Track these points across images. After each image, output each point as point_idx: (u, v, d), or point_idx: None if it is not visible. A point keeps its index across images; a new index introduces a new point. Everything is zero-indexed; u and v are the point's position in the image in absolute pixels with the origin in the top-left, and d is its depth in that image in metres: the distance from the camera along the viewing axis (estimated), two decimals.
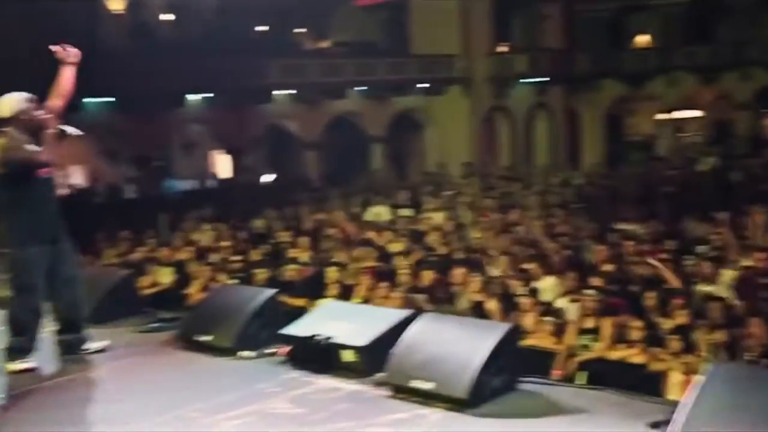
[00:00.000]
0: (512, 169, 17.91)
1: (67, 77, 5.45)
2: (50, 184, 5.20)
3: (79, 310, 5.48)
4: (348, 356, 5.09)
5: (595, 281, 7.68)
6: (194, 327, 5.82)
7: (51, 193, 5.20)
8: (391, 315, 5.47)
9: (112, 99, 18.26)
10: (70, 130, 5.22)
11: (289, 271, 9.18)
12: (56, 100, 5.42)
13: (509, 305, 7.73)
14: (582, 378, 6.54)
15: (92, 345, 5.54)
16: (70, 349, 5.50)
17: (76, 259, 5.48)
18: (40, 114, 5.18)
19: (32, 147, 5.07)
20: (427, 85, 25.84)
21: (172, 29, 23.84)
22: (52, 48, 5.38)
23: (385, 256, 9.63)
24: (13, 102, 5.19)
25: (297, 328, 5.43)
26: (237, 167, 23.23)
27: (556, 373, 6.59)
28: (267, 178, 24.23)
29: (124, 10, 22.72)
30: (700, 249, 8.80)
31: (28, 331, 5.18)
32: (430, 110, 26.62)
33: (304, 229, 11.66)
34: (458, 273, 8.37)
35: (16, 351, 5.16)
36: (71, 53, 5.40)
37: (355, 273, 9.07)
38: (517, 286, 8.11)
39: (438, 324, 5.07)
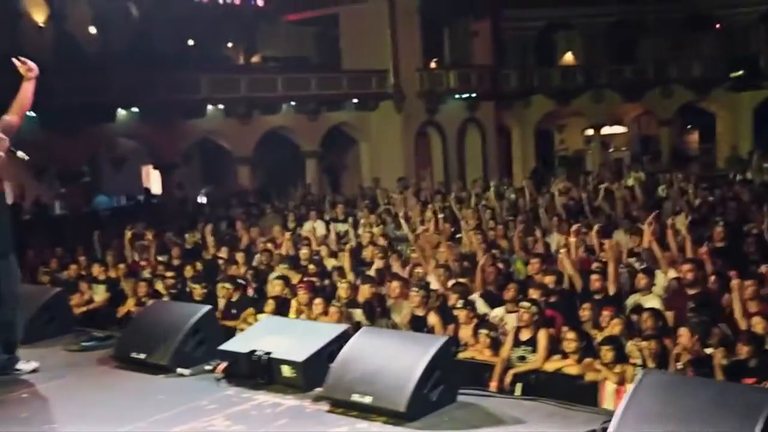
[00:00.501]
0: (445, 183, 18.08)
1: (26, 91, 5.35)
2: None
3: (15, 330, 5.38)
4: (287, 371, 5.07)
5: (532, 293, 7.81)
6: (129, 345, 5.72)
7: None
8: (329, 330, 5.48)
9: (34, 114, 17.77)
10: (20, 153, 5.14)
11: (222, 290, 9.08)
12: (14, 116, 5.32)
13: (448, 318, 7.81)
14: (518, 390, 6.65)
15: (24, 366, 5.39)
16: (2, 370, 5.37)
17: (19, 277, 5.35)
18: None
19: None
20: (358, 100, 25.98)
21: (97, 42, 23.40)
22: (14, 61, 5.26)
23: (321, 270, 9.61)
24: None
25: (235, 344, 5.39)
26: (168, 182, 22.88)
27: (492, 385, 6.68)
28: (199, 193, 23.95)
29: (46, 22, 22.24)
30: (630, 261, 9.05)
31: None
32: (363, 125, 26.73)
33: (239, 244, 11.56)
34: (395, 287, 8.41)
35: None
36: (31, 67, 5.28)
37: (289, 288, 9.04)
38: (453, 299, 8.19)
39: (375, 338, 5.10)
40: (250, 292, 9.42)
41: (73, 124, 19.00)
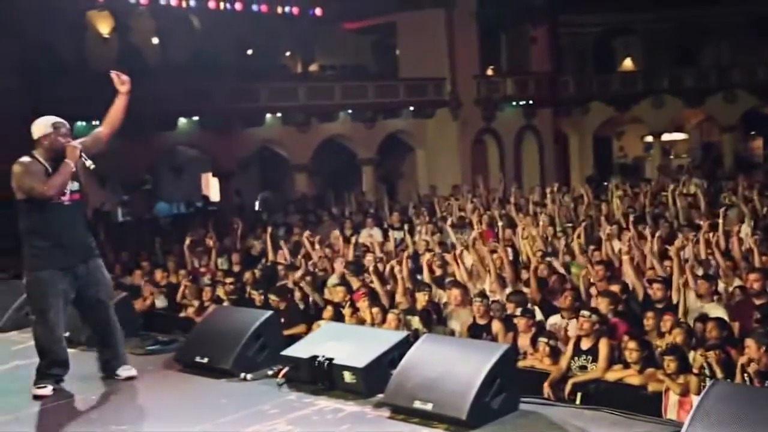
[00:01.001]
0: (502, 191, 17.99)
1: (119, 105, 5.55)
2: (73, 210, 5.29)
3: (108, 333, 5.53)
4: (348, 377, 5.11)
5: (599, 302, 7.71)
6: (193, 349, 5.83)
7: (72, 219, 5.28)
8: (389, 336, 5.49)
9: (98, 123, 18.24)
10: (88, 162, 5.28)
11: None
12: (105, 128, 5.52)
13: (508, 326, 7.78)
14: (578, 400, 6.57)
15: (124, 372, 5.56)
16: (107, 369, 5.58)
17: (105, 283, 5.50)
18: (63, 141, 5.24)
19: (36, 177, 5.11)
20: (414, 108, 26.04)
21: (160, 53, 23.92)
22: (111, 74, 5.40)
23: (379, 277, 9.62)
24: (40, 125, 5.29)
25: (297, 350, 5.44)
26: (226, 189, 23.23)
27: (546, 390, 6.62)
28: (258, 200, 24.25)
29: (111, 33, 22.82)
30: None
31: (46, 354, 5.29)
32: (419, 133, 26.78)
33: (297, 250, 11.67)
34: (455, 294, 8.41)
35: (39, 375, 5.29)
36: (124, 81, 5.41)
37: (343, 294, 9.11)
38: (511, 308, 8.15)
39: (437, 345, 5.10)
40: (298, 298, 9.44)
41: (135, 132, 19.34)
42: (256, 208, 22.78)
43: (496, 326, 7.85)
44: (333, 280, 10.08)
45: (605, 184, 17.83)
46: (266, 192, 25.37)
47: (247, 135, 23.09)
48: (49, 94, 17.63)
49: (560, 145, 29.86)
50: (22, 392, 5.34)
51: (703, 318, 7.15)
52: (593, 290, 8.46)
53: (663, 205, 13.72)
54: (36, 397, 5.19)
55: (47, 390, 5.23)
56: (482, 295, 8.21)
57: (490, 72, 27.91)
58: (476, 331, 7.80)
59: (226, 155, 22.67)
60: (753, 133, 33.08)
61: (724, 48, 30.41)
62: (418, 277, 9.73)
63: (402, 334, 5.55)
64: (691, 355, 6.51)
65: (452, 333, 7.98)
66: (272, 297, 9.07)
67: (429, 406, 4.55)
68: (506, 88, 27.16)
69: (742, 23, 29.05)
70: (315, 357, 5.22)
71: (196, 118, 21.76)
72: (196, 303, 9.83)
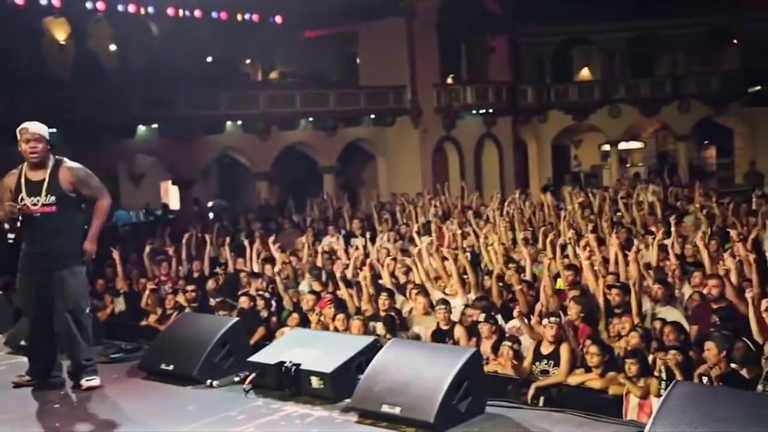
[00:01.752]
0: (461, 198, 18.15)
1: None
2: (42, 221, 5.42)
3: (70, 343, 5.53)
4: (315, 382, 5.12)
5: (571, 308, 7.82)
6: (158, 356, 5.81)
7: (41, 230, 5.41)
8: (356, 342, 5.54)
9: (55, 130, 17.99)
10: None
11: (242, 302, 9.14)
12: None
13: (471, 332, 7.85)
14: (541, 403, 6.65)
15: (87, 382, 5.52)
16: (71, 378, 5.63)
17: (70, 293, 5.45)
18: (24, 147, 5.48)
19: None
20: (375, 116, 26.14)
21: (117, 59, 23.68)
22: None
23: (346, 284, 9.64)
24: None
25: (264, 356, 5.45)
26: (186, 197, 23.06)
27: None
28: (217, 208, 24.10)
29: (67, 40, 22.54)
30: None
31: (29, 356, 5.64)
32: (380, 141, 26.88)
33: (259, 257, 11.62)
34: (420, 302, 8.48)
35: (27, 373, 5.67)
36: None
37: (312, 301, 9.11)
38: (475, 314, 8.21)
39: (404, 350, 5.16)
40: (261, 307, 9.40)
41: (93, 139, 19.21)
42: (216, 216, 22.60)
43: (459, 332, 7.92)
44: (304, 286, 10.07)
45: (561, 191, 18.06)
46: (219, 200, 25.21)
47: (207, 142, 22.98)
48: (2, 100, 17.38)
49: (519, 153, 30.20)
50: None
51: (662, 321, 7.29)
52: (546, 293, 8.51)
53: (620, 212, 13.95)
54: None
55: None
56: (444, 302, 8.28)
57: (450, 81, 28.13)
58: (440, 337, 7.88)
59: (186, 163, 22.53)
60: (706, 142, 33.81)
61: (679, 58, 31.04)
62: (380, 283, 9.77)
63: (369, 339, 5.59)
64: (650, 358, 6.64)
65: (417, 338, 8.03)
66: (221, 311, 8.80)
67: (397, 410, 4.60)
68: (466, 96, 27.39)
69: (696, 34, 29.71)
70: (282, 363, 5.24)
71: (155, 125, 21.59)
72: (158, 311, 9.75)
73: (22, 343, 6.02)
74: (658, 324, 7.29)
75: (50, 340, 5.59)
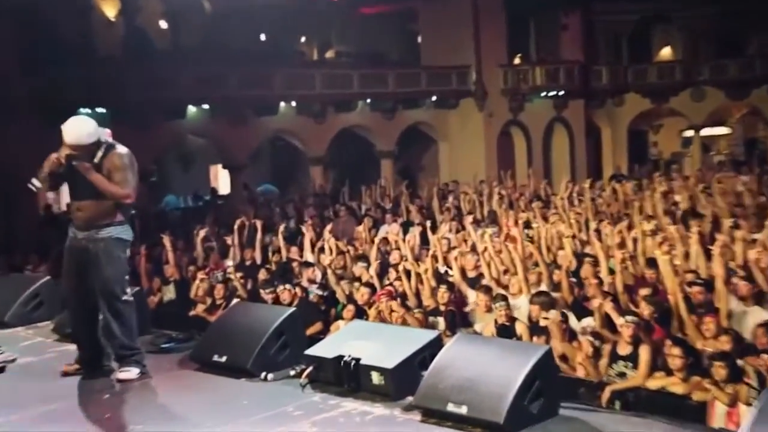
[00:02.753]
0: (531, 187, 17.96)
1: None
2: (84, 183, 5.59)
3: (105, 331, 5.68)
4: (376, 378, 5.12)
5: (643, 308, 7.67)
6: (210, 347, 5.87)
7: (81, 188, 5.62)
8: (419, 336, 5.51)
9: (105, 110, 18.37)
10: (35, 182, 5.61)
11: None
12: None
13: (535, 329, 7.75)
14: (617, 408, 6.53)
15: (121, 374, 5.64)
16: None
17: (107, 278, 5.59)
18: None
19: None
20: (437, 98, 26.09)
21: (168, 37, 24.02)
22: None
23: (407, 277, 9.62)
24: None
25: (321, 349, 5.46)
26: (236, 182, 23.31)
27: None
28: (266, 194, 24.34)
29: (117, 16, 22.92)
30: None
31: (76, 343, 5.92)
32: (442, 124, 26.78)
33: (313, 246, 11.69)
34: (482, 299, 8.41)
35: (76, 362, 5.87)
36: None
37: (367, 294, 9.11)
38: (536, 310, 8.10)
39: (471, 345, 5.14)
40: (316, 298, 9.48)
41: (142, 120, 19.55)
42: (269, 202, 22.78)
43: (521, 328, 7.83)
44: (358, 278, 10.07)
45: (640, 180, 17.70)
46: (267, 185, 25.34)
47: (259, 124, 23.21)
48: (50, 79, 17.77)
49: (592, 139, 29.72)
50: (35, 391, 5.43)
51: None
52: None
53: (702, 203, 13.60)
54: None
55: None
56: (503, 298, 8.19)
57: (518, 60, 27.84)
58: (505, 333, 7.79)
59: (237, 146, 22.80)
60: None
61: None
62: (441, 275, 9.74)
63: (432, 333, 5.57)
64: (741, 362, 6.46)
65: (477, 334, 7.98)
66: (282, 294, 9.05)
67: (463, 409, 4.54)
68: (535, 77, 27.08)
69: None
70: (341, 357, 5.24)
71: (206, 106, 21.87)
72: (208, 300, 9.87)
73: (69, 330, 6.16)
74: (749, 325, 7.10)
75: (91, 326, 5.71)
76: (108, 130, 5.74)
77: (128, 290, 5.72)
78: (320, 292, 9.58)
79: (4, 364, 5.90)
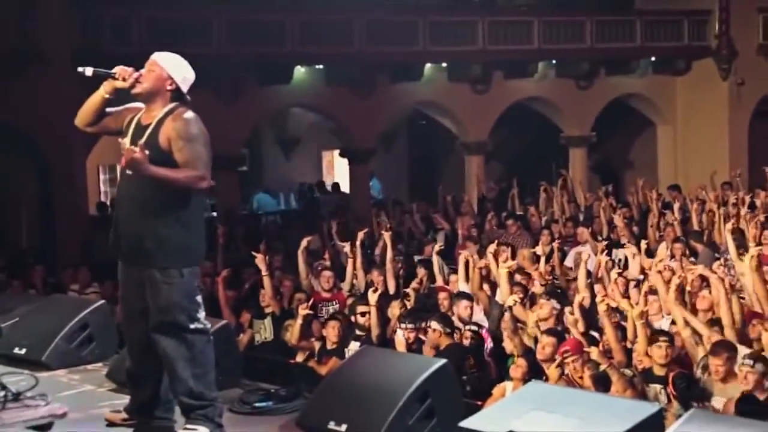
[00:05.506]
0: None
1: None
2: (128, 185, 6.05)
3: (168, 372, 5.98)
4: None
5: None
6: (324, 410, 6.00)
7: (126, 199, 6.10)
8: (626, 409, 5.52)
9: None
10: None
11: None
12: None
13: None
14: None
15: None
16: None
17: (165, 304, 5.86)
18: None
19: None
20: (656, 59, 25.83)
21: None
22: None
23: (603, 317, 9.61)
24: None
25: (484, 421, 5.51)
26: (359, 176, 23.61)
27: None
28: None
29: None
30: None
31: (129, 385, 6.34)
32: (663, 98, 26.46)
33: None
34: (713, 361, 8.27)
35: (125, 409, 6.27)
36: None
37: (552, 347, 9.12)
38: None
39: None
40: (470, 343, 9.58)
41: (229, 84, 20.09)
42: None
43: None
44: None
45: None
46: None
47: (395, 94, 23.42)
48: (108, 26, 18.59)
49: None
50: None
51: None
52: None
53: None
54: None
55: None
56: (754, 357, 8.04)
57: None
58: (748, 408, 7.65)
59: (362, 124, 23.03)
60: None
61: None
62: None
63: (651, 406, 5.57)
64: None
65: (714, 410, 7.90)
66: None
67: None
68: None
69: None
70: None
71: (319, 66, 22.27)
72: (316, 344, 10.09)
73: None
74: None
75: (150, 363, 5.94)
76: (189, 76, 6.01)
77: (201, 315, 5.90)
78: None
79: (51, 419, 6.13)
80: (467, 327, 9.88)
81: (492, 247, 11.91)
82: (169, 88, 5.83)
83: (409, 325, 9.45)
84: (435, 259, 12.49)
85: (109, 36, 18.57)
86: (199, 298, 5.93)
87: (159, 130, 5.72)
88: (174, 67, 5.88)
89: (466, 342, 9.62)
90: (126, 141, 5.79)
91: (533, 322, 9.86)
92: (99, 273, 12.60)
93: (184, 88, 5.87)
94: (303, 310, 10.39)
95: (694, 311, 9.73)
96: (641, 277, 11.64)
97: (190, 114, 5.78)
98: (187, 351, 5.77)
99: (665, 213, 16.11)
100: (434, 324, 9.45)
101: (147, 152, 5.58)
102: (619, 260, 13.24)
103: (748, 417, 7.22)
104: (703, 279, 10.60)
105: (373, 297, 10.15)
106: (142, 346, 5.92)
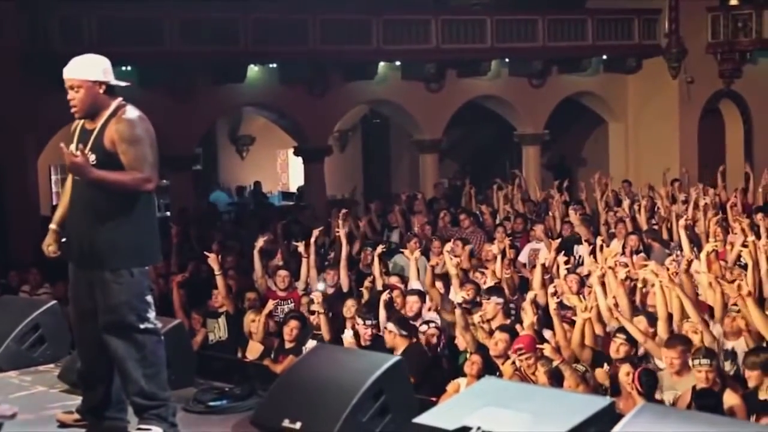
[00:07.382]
0: (747, 190, 17.70)
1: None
2: (78, 189, 6.03)
3: (119, 372, 6.02)
4: None
5: None
6: (278, 408, 6.00)
7: (76, 203, 6.06)
8: (576, 403, 5.56)
9: (129, 68, 18.89)
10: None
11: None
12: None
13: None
14: None
15: None
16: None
17: (115, 304, 5.86)
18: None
19: None
20: (607, 57, 25.97)
21: None
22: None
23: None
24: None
25: (437, 417, 5.51)
26: (315, 175, 23.59)
27: None
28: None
29: None
30: None
31: (80, 386, 6.32)
32: (615, 96, 26.62)
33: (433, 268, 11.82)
34: (667, 354, 8.35)
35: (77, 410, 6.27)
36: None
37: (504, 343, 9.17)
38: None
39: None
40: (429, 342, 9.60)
41: (183, 83, 20.01)
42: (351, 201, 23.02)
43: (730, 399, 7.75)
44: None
45: None
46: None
47: (348, 93, 23.42)
48: (57, 25, 18.43)
49: None
50: None
51: None
52: None
53: None
54: None
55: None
56: (708, 353, 8.09)
57: (734, 1, 27.29)
58: (703, 402, 7.69)
59: (316, 123, 23.02)
60: None
61: None
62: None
63: (601, 400, 5.57)
64: None
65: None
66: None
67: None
68: (762, 25, 26.48)
69: None
70: (466, 429, 5.27)
71: (273, 65, 22.21)
72: (274, 342, 10.08)
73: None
74: None
75: (101, 364, 5.95)
76: (126, 83, 5.97)
77: (151, 315, 5.90)
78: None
79: (1, 421, 6.08)
80: (432, 324, 9.94)
81: (448, 246, 11.96)
82: (101, 90, 5.78)
83: (368, 321, 9.50)
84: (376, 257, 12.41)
85: (59, 36, 18.35)
86: (149, 298, 5.92)
87: (103, 132, 5.73)
88: (89, 70, 5.81)
89: (434, 339, 9.69)
90: (72, 147, 5.74)
91: (478, 322, 9.92)
92: (51, 274, 12.50)
93: (111, 78, 5.82)
94: (268, 307, 10.47)
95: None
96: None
97: (133, 114, 5.77)
98: (137, 351, 5.78)
99: (617, 210, 16.23)
100: (390, 326, 9.48)
101: (93, 156, 5.60)
102: (579, 257, 13.31)
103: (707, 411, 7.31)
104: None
105: (317, 296, 10.21)
106: (93, 346, 5.91)
